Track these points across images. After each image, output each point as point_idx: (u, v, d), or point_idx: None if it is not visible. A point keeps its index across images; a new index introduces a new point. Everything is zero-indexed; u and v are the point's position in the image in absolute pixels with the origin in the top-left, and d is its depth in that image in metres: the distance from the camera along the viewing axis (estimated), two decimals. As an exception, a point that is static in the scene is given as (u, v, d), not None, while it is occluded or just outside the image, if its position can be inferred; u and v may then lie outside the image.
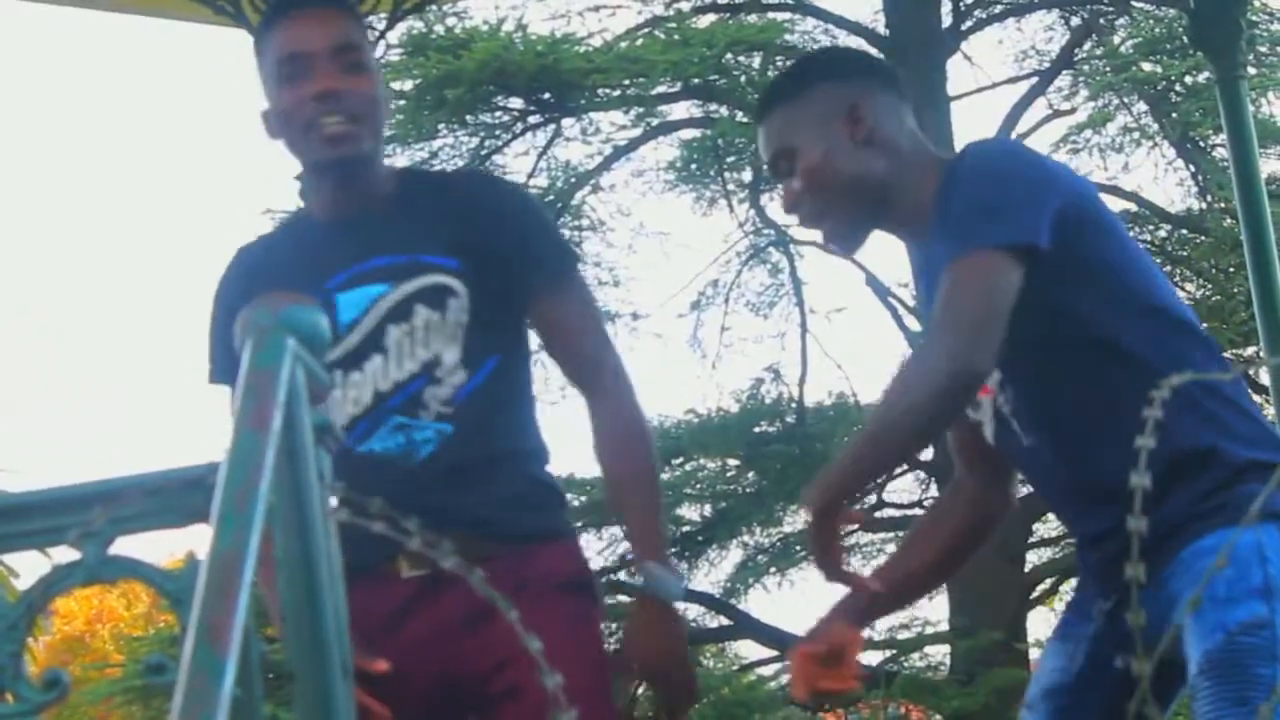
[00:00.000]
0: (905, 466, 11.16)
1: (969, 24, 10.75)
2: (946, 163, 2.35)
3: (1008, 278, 2.12)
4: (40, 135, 44.18)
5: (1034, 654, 9.17)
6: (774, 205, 11.84)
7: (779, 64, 11.45)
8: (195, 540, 1.60)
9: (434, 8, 10.57)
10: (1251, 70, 9.23)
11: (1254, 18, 9.41)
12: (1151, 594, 2.08)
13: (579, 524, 8.86)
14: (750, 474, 10.94)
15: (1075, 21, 11.25)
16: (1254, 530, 2.13)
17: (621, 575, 9.82)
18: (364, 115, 2.46)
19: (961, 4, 10.54)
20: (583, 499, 9.47)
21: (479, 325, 2.45)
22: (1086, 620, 2.32)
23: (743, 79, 11.17)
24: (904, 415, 2.11)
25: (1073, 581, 5.22)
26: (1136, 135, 11.17)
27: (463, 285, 2.45)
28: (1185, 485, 2.15)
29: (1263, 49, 10.53)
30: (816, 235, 2.39)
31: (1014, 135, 10.10)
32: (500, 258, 2.47)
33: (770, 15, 11.15)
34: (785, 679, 11.05)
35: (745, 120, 11.13)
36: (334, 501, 1.67)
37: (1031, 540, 10.45)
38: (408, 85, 10.75)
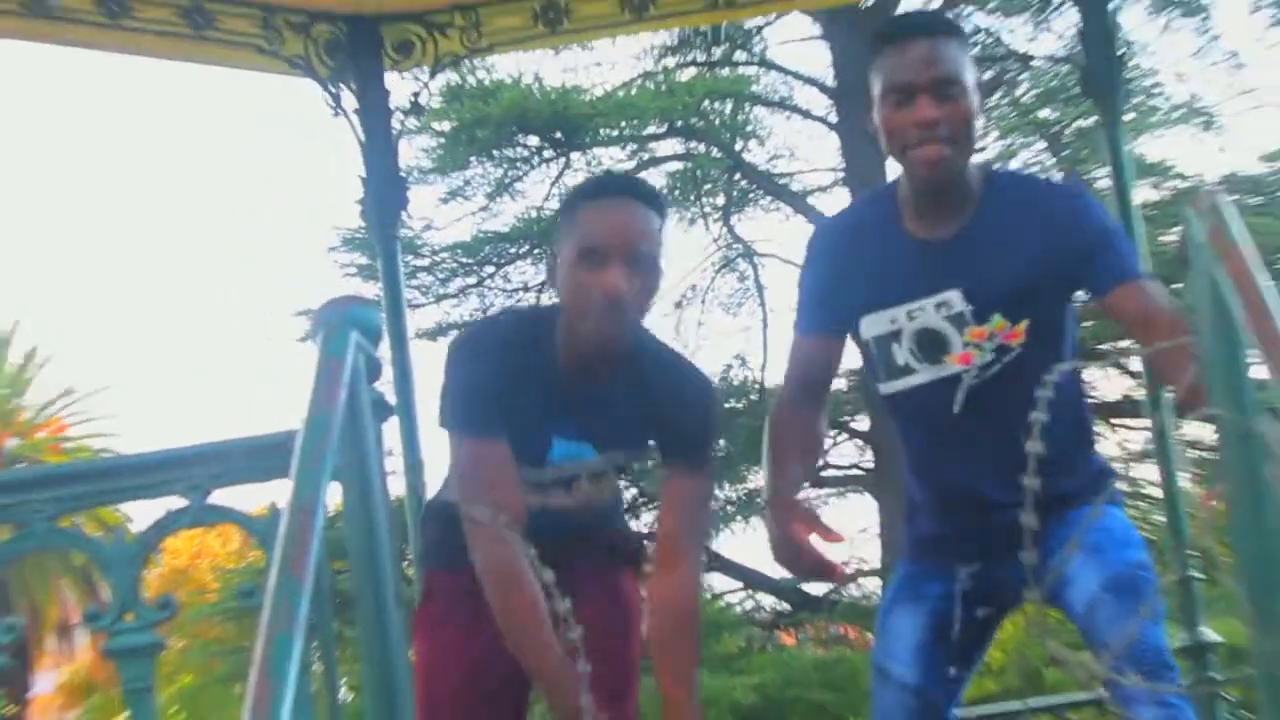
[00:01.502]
0: (846, 435, 11.21)
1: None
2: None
3: None
4: (43, 139, 41.68)
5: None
6: (742, 224, 11.88)
7: (748, 109, 11.47)
8: (277, 493, 1.63)
9: (467, 62, 10.56)
10: (1128, 115, 9.25)
11: (1128, 74, 9.43)
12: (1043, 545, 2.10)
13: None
14: (722, 442, 10.97)
15: (986, 75, 11.27)
16: (1117, 507, 2.22)
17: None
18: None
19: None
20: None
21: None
22: (937, 583, 2.24)
23: (717, 121, 11.21)
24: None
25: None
26: (1036, 170, 11.21)
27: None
28: (1081, 467, 2.21)
29: (1137, 99, 10.56)
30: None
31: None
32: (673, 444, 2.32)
33: (740, 70, 11.17)
34: (749, 604, 11.11)
35: (719, 155, 11.15)
36: None
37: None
38: (446, 126, 10.77)
